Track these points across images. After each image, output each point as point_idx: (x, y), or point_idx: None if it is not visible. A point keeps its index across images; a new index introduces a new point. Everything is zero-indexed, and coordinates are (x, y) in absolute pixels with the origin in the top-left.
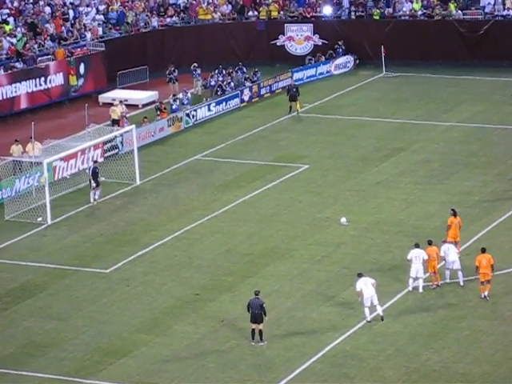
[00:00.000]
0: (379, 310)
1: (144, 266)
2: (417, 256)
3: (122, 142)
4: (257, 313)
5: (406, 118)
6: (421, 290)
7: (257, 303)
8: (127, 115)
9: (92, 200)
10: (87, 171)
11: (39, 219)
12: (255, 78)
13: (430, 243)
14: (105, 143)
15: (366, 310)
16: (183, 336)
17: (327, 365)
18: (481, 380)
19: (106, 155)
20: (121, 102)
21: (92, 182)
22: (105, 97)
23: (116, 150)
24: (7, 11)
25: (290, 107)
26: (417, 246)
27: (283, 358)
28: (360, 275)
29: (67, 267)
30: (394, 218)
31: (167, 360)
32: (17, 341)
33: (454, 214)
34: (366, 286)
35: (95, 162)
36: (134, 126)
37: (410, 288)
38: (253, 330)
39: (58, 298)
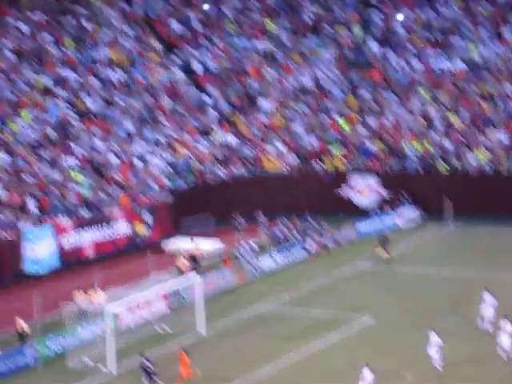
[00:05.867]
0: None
1: None
2: None
3: (186, 292)
4: None
5: (470, 271)
6: None
7: None
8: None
9: None
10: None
11: (104, 370)
12: (320, 229)
13: None
14: (169, 293)
15: None
16: None
17: None
18: None
19: (170, 304)
20: (194, 241)
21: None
22: (169, 245)
23: (180, 300)
24: (77, 161)
25: (380, 254)
26: None
27: None
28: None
29: None
30: None
31: None
32: None
33: None
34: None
35: (143, 356)
36: (198, 275)
37: None
38: None
39: None
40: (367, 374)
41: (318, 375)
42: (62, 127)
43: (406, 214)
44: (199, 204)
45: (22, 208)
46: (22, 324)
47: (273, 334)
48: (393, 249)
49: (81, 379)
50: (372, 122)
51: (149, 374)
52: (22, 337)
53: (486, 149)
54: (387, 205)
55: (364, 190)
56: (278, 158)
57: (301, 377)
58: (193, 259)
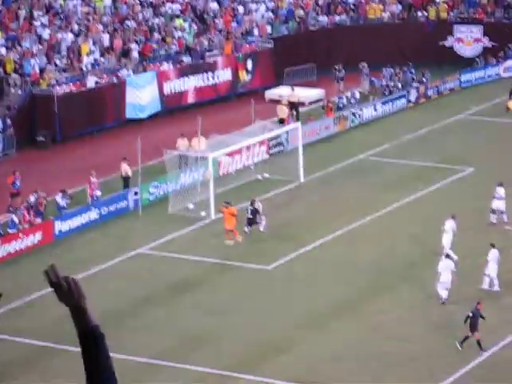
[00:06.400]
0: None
1: (305, 264)
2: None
3: (287, 139)
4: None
5: None
6: None
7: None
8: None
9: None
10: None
11: (203, 214)
12: (423, 79)
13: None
14: (270, 140)
15: (440, 292)
16: (342, 335)
17: (487, 370)
18: None
19: (270, 152)
20: (295, 91)
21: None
22: (271, 93)
23: (281, 147)
24: (179, 7)
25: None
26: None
27: (443, 361)
28: (447, 256)
29: (228, 262)
30: None
31: (325, 358)
32: (177, 334)
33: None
34: (446, 270)
35: (252, 202)
36: (299, 123)
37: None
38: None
39: (218, 292)
40: (449, 225)
41: (414, 222)
42: None
43: (510, 65)
44: (301, 52)
45: (125, 53)
46: (127, 168)
47: (372, 183)
48: (496, 98)
49: (180, 223)
50: None
51: (251, 220)
52: (125, 181)
53: None
54: (492, 55)
55: (468, 40)
56: (381, 6)
57: (397, 223)
58: (293, 106)
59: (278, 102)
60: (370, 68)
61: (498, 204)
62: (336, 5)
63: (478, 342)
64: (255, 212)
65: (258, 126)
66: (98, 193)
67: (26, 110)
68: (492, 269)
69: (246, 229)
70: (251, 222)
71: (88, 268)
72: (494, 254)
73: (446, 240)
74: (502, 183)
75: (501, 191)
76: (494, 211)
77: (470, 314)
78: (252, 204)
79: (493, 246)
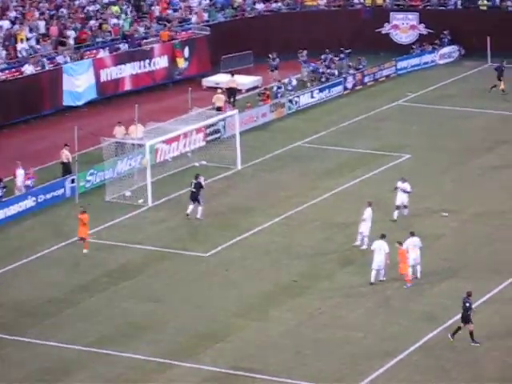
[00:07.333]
0: (381, 276)
1: (243, 250)
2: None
3: (224, 127)
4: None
5: (510, 110)
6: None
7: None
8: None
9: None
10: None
11: (140, 201)
12: (360, 66)
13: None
14: (207, 127)
15: (372, 273)
16: (280, 322)
17: (423, 356)
18: None
19: (208, 139)
20: (234, 77)
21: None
22: (208, 81)
23: (218, 134)
24: None
25: (494, 85)
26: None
27: (379, 347)
28: (382, 236)
29: (166, 250)
30: (497, 209)
31: (263, 346)
32: (115, 321)
33: None
34: (378, 251)
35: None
36: (236, 110)
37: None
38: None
39: (156, 280)
40: (367, 213)
41: (351, 209)
42: None
43: (446, 52)
44: (238, 39)
45: (61, 41)
46: (68, 154)
47: (309, 171)
48: (433, 85)
49: (117, 211)
50: None
51: (194, 194)
52: (66, 166)
53: None
54: (428, 43)
55: (404, 27)
56: None
57: (335, 210)
58: (230, 93)
59: (215, 89)
60: (307, 55)
61: (403, 198)
62: None
63: (471, 334)
64: (199, 186)
65: (195, 114)
66: (28, 182)
67: None
68: (412, 256)
69: (188, 211)
70: (194, 196)
71: (25, 256)
72: (413, 242)
73: (365, 227)
74: (405, 178)
75: (405, 185)
76: (398, 207)
77: (467, 305)
78: (196, 178)
79: (412, 234)
